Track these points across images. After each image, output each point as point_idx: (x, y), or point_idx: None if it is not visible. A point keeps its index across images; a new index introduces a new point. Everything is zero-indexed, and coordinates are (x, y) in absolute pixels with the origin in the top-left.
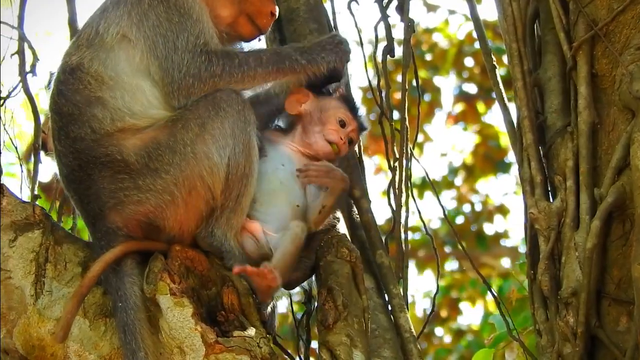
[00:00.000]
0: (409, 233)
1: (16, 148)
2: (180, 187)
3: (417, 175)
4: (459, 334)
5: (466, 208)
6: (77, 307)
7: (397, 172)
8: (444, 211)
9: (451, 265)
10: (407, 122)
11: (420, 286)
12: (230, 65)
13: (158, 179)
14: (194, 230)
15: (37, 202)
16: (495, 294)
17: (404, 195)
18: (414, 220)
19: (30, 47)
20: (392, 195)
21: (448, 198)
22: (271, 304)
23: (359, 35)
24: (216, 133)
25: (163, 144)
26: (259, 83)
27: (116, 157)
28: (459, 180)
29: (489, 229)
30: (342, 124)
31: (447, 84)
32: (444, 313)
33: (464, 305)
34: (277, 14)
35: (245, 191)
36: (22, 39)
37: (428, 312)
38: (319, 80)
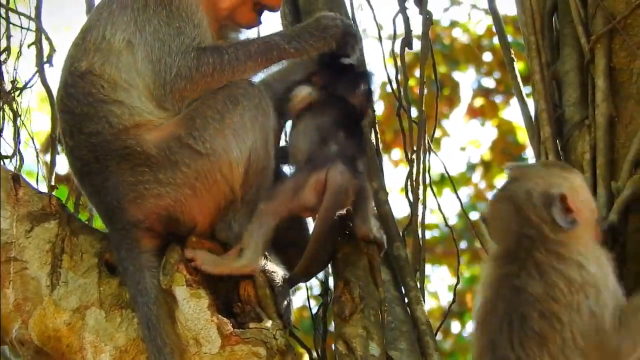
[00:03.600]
0: (428, 230)
1: (33, 139)
2: (201, 181)
3: (435, 170)
4: None
5: (484, 204)
6: None
7: (415, 165)
8: (461, 205)
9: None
10: (424, 115)
11: (441, 282)
12: (220, 62)
13: (179, 173)
14: (212, 223)
15: (54, 193)
16: None
17: (421, 188)
18: (431, 218)
19: (47, 38)
20: (409, 188)
21: (466, 194)
22: (288, 297)
23: (378, 28)
24: (236, 127)
25: (183, 138)
26: (250, 75)
27: (136, 150)
28: (476, 176)
29: None
30: None
31: (466, 78)
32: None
33: None
34: None
35: (264, 184)
36: (40, 30)
37: (449, 304)
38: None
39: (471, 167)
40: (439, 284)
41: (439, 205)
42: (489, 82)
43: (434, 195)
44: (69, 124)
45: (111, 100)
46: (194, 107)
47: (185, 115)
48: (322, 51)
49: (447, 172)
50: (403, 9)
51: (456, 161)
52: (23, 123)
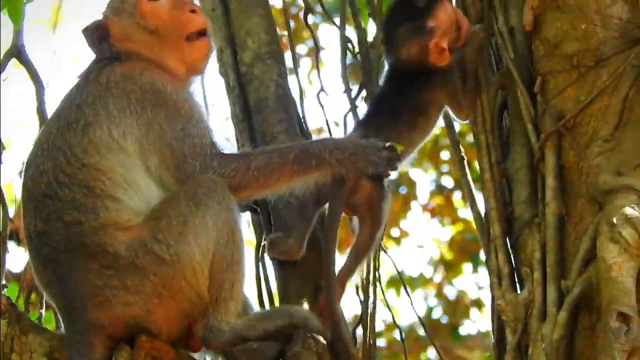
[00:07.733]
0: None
1: None
2: (167, 289)
3: (393, 271)
4: None
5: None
6: None
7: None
8: (412, 306)
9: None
10: None
11: None
12: (247, 167)
13: (146, 281)
14: (179, 329)
15: (4, 291)
16: None
17: (371, 287)
18: (389, 319)
19: None
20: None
21: (426, 293)
22: None
23: (327, 125)
24: (197, 229)
25: (148, 242)
26: (285, 182)
27: (107, 250)
28: (437, 277)
29: (469, 326)
30: None
31: (423, 177)
32: None
33: None
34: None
35: (237, 278)
36: None
37: None
38: None
39: (431, 265)
40: None
41: (387, 305)
42: (448, 181)
43: (383, 295)
44: (49, 208)
45: (107, 195)
46: (160, 207)
47: (151, 215)
48: (362, 172)
49: (399, 274)
50: (354, 107)
51: (416, 259)
52: None
